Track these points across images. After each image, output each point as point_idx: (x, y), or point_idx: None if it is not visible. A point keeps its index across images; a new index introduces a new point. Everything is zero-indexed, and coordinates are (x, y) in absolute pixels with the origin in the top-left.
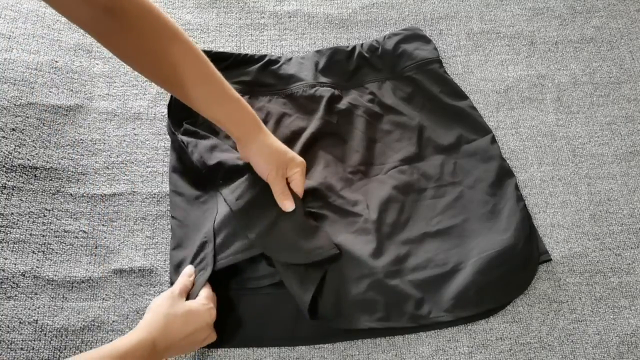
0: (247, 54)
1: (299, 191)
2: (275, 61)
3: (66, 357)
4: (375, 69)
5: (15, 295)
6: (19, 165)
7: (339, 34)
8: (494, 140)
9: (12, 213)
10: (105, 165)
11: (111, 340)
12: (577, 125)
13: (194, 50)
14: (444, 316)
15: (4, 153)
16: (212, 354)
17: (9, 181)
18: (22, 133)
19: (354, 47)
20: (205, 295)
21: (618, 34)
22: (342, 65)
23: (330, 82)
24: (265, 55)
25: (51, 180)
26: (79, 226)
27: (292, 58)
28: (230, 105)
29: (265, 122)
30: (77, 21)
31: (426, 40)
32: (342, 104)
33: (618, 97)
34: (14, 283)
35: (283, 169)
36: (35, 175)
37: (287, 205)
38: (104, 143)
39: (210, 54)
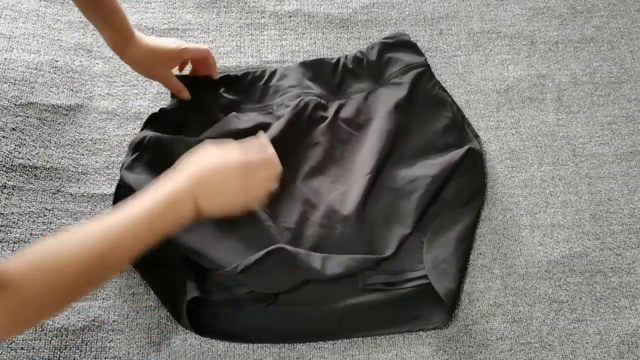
0: (228, 75)
1: (212, 72)
2: (259, 77)
3: (66, 357)
4: (360, 80)
5: None
6: (19, 164)
7: (340, 34)
8: (470, 154)
9: (13, 213)
10: (106, 165)
11: (111, 340)
12: (577, 125)
13: None
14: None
15: (4, 153)
16: (213, 353)
17: (9, 181)
18: (23, 133)
19: (338, 60)
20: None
21: (618, 34)
22: (327, 78)
23: (316, 93)
24: (248, 73)
25: (51, 179)
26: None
27: (276, 70)
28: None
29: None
30: None
31: (411, 45)
32: (328, 113)
33: (618, 96)
34: None
35: (176, 61)
36: (35, 175)
37: (185, 95)
38: (104, 143)
39: (193, 78)
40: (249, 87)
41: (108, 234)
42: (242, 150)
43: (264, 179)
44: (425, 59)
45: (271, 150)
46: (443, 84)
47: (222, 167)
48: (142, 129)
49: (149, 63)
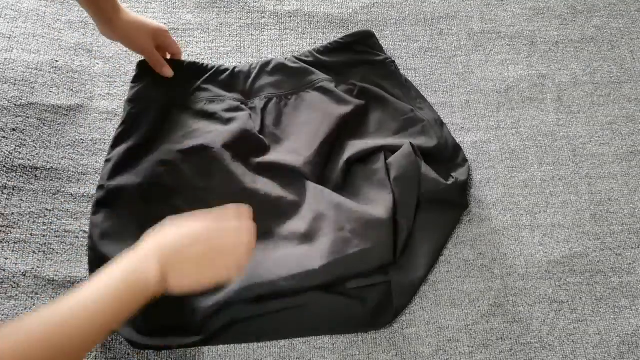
0: (203, 66)
1: (179, 53)
2: (239, 73)
3: None
4: (322, 71)
5: (16, 295)
6: (19, 165)
7: (340, 34)
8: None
9: (13, 213)
10: None
11: (111, 340)
12: (577, 125)
13: None
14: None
15: (5, 153)
16: (213, 353)
17: (9, 181)
18: (23, 133)
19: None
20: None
21: (619, 34)
22: (287, 72)
23: (271, 93)
24: (227, 69)
25: (52, 180)
26: (80, 226)
27: (253, 67)
28: None
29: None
30: None
31: (372, 41)
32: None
33: (619, 97)
34: (14, 283)
35: (153, 38)
36: (35, 176)
37: (167, 71)
38: (105, 143)
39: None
40: (232, 81)
41: (70, 316)
42: (215, 217)
43: (235, 247)
44: (389, 56)
45: (248, 222)
46: (443, 84)
47: (188, 239)
48: (126, 108)
49: (136, 35)
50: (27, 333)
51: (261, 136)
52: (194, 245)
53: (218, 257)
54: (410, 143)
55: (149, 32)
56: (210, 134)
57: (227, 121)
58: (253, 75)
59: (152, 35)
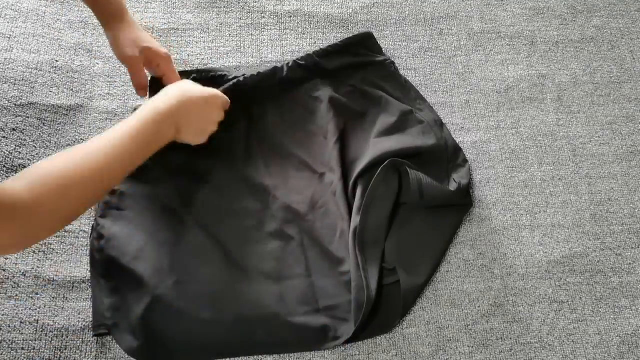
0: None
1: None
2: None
3: (67, 357)
4: (322, 74)
5: (16, 295)
6: (19, 165)
7: (340, 34)
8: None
9: None
10: None
11: (112, 341)
12: (577, 125)
13: None
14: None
15: (5, 153)
16: None
17: None
18: (23, 133)
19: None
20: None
21: (619, 34)
22: (287, 79)
23: (272, 101)
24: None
25: None
26: (80, 226)
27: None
28: None
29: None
30: None
31: (372, 43)
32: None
33: (619, 97)
34: (14, 283)
35: (146, 56)
36: None
37: (142, 93)
38: None
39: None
40: (234, 93)
41: (105, 151)
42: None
43: (220, 112)
44: (389, 57)
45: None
46: (443, 84)
47: (200, 99)
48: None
49: (130, 45)
50: (64, 168)
51: (270, 151)
52: (202, 109)
53: (211, 120)
54: (397, 160)
55: (138, 48)
56: (219, 157)
57: (233, 140)
58: (254, 85)
59: (142, 52)
